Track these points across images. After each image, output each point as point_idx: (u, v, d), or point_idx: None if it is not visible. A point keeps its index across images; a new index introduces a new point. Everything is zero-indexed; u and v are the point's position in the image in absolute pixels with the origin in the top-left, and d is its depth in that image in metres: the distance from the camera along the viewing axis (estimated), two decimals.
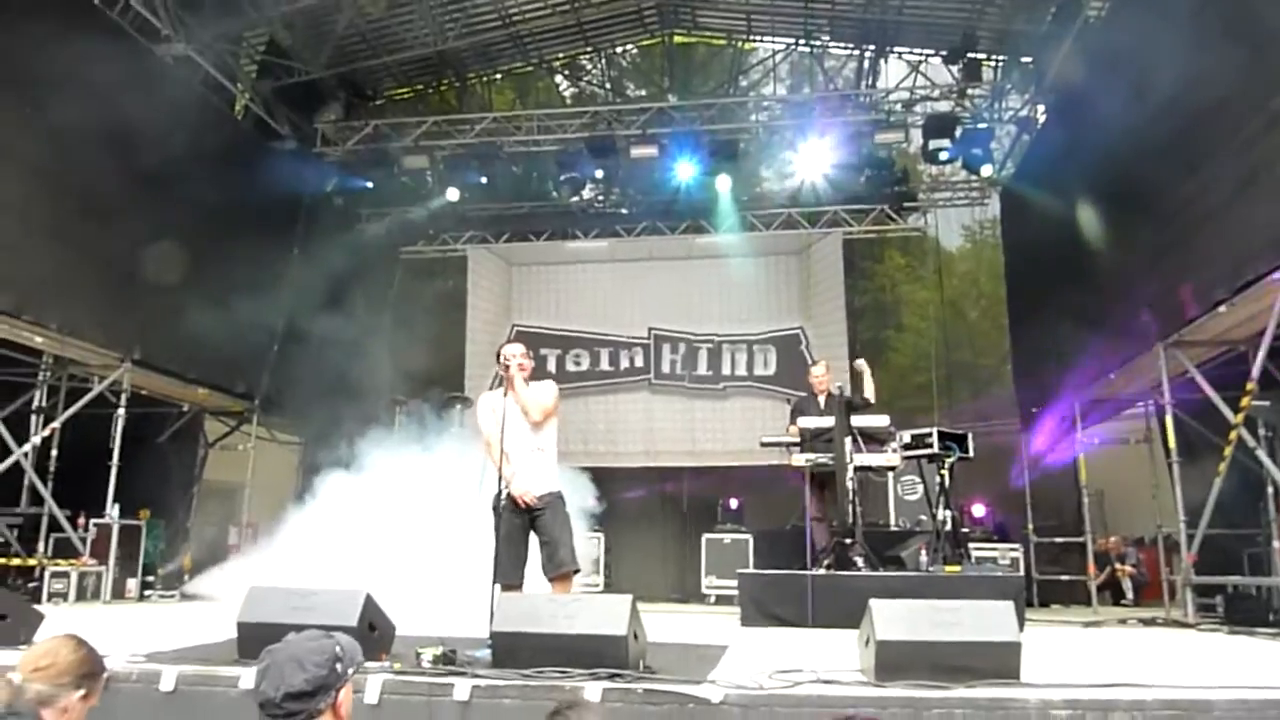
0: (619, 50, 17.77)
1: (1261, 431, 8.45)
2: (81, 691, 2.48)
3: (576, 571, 5.22)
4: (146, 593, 11.17)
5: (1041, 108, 13.63)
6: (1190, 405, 9.35)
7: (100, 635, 3.26)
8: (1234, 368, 8.77)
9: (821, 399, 8.79)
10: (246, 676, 3.98)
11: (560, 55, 17.26)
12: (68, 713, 2.44)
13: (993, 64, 14.50)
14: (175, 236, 10.93)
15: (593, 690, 3.73)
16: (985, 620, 4.02)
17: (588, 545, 11.08)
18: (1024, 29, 13.10)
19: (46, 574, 9.80)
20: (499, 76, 17.30)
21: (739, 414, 15.64)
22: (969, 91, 14.19)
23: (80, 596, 9.90)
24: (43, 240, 9.34)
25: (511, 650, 4.16)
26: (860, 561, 7.73)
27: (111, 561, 10.35)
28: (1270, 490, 8.48)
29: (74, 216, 9.65)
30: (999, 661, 3.90)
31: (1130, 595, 12.55)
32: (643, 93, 17.79)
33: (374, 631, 4.44)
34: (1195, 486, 9.02)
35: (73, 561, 10.05)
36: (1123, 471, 12.61)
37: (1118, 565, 12.82)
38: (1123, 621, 9.03)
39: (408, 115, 15.71)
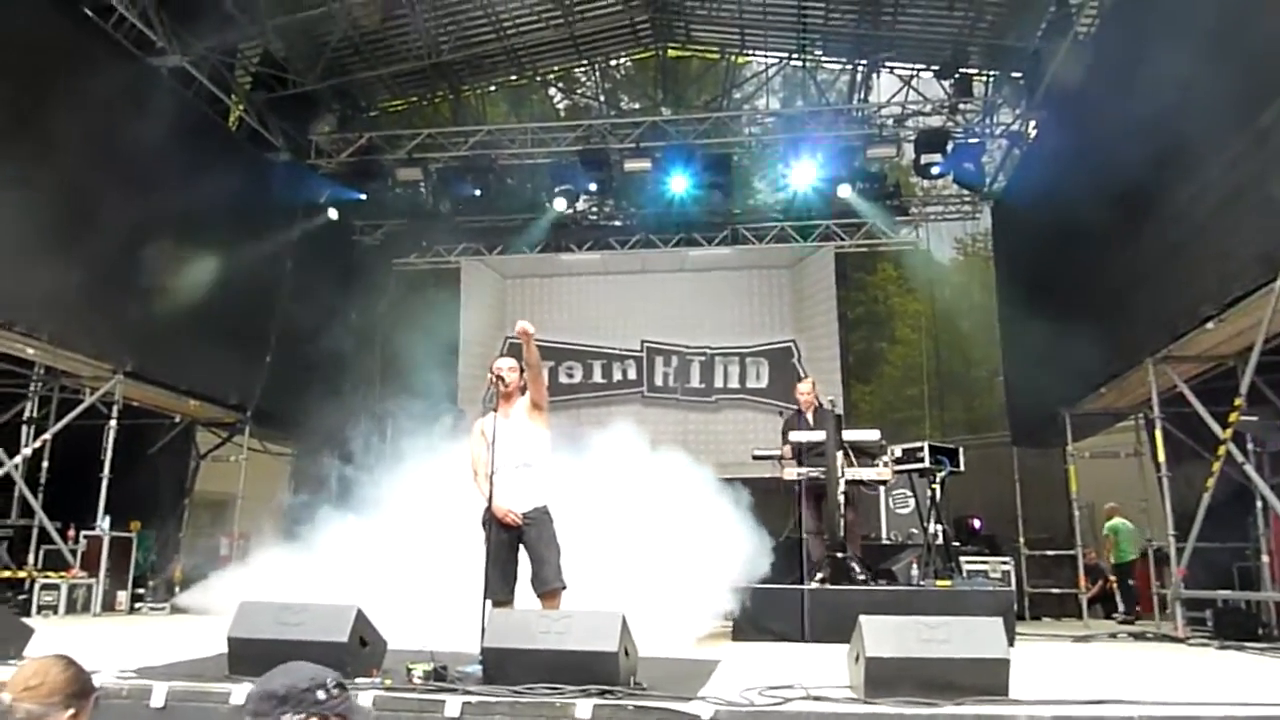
0: (613, 63, 17.87)
1: (1250, 446, 8.51)
2: (71, 711, 2.48)
3: (563, 589, 5.20)
4: (137, 605, 11.13)
5: (1033, 122, 13.72)
6: (1180, 419, 9.39)
7: (90, 649, 3.27)
8: (1223, 382, 8.83)
9: (809, 414, 8.83)
10: (237, 692, 3.98)
11: (554, 68, 17.35)
12: None
13: (984, 79, 14.63)
14: (169, 248, 10.94)
15: (583, 707, 3.73)
16: (974, 637, 4.03)
17: None
18: (1015, 45, 13.22)
19: (36, 586, 9.75)
20: (493, 89, 17.36)
21: (731, 426, 15.67)
22: (960, 106, 14.29)
23: (70, 609, 9.86)
24: (35, 252, 9.28)
25: (502, 666, 4.16)
26: (857, 568, 7.74)
27: (102, 574, 10.32)
28: (1259, 504, 8.53)
29: (67, 228, 9.63)
30: (988, 678, 3.91)
31: (1122, 608, 12.57)
32: (636, 106, 17.89)
33: (365, 646, 4.44)
34: (1185, 500, 9.07)
35: (63, 574, 10.00)
36: (1113, 484, 12.65)
37: (1110, 578, 12.84)
38: (1113, 636, 9.04)
39: (401, 127, 15.77)
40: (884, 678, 3.89)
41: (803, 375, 13.71)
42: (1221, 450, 8.06)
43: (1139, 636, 8.85)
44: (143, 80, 11.16)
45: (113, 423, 10.78)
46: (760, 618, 7.35)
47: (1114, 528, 12.64)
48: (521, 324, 5.29)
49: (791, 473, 8.28)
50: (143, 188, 10.49)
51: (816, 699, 3.89)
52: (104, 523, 10.52)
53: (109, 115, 10.06)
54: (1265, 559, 8.60)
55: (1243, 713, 3.63)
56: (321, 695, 2.30)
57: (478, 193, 15.11)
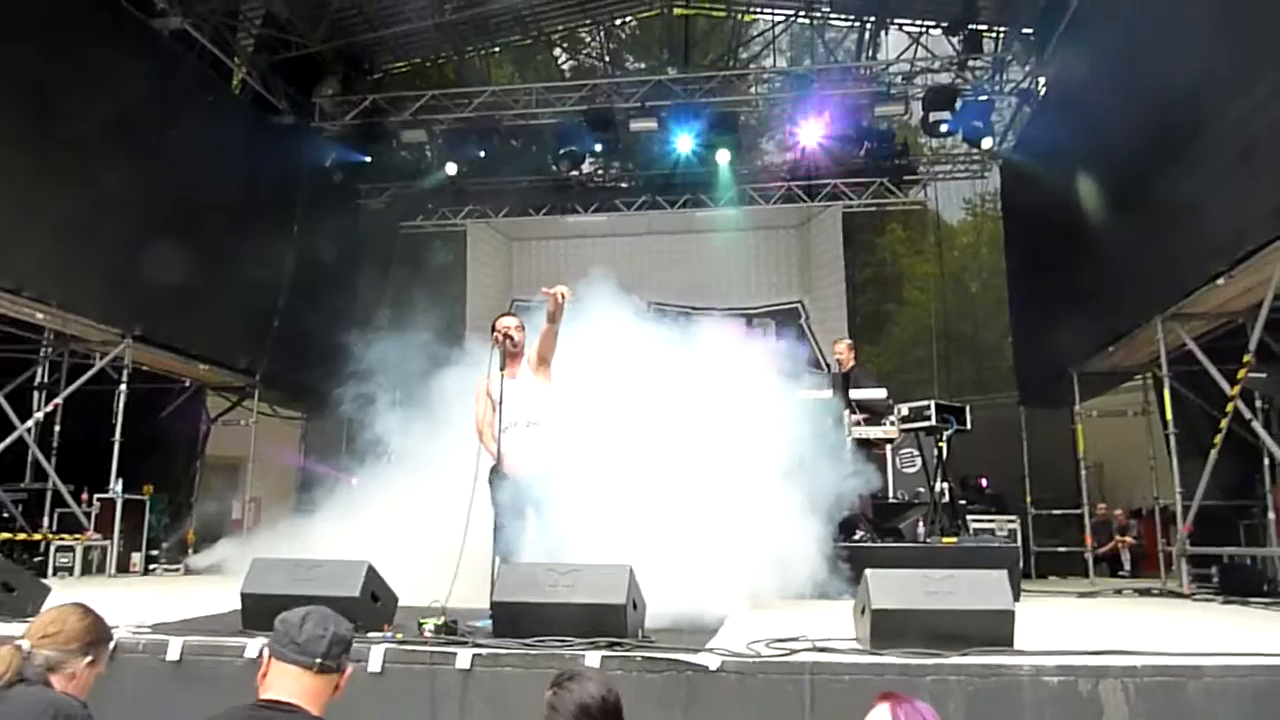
0: (618, 23, 17.68)
1: (1258, 404, 8.50)
2: (89, 658, 2.53)
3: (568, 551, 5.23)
4: (151, 567, 11.28)
5: (1042, 79, 13.55)
6: (1188, 378, 9.37)
7: (106, 607, 3.31)
8: (1232, 340, 8.77)
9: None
10: (251, 646, 4.05)
11: (559, 28, 17.17)
12: (75, 679, 2.48)
13: (994, 35, 14.41)
14: (175, 213, 10.94)
15: (592, 658, 3.78)
16: (979, 589, 4.07)
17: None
18: None
19: (51, 548, 9.87)
20: (497, 50, 17.19)
21: None
22: (969, 63, 14.12)
23: (85, 571, 9.99)
24: (43, 219, 9.32)
25: (512, 620, 4.21)
26: (863, 527, 7.81)
27: (116, 536, 10.44)
28: (1266, 462, 8.53)
29: (74, 194, 9.63)
30: (993, 629, 3.94)
31: (1128, 566, 12.64)
32: (642, 66, 17.71)
33: (376, 602, 4.49)
34: (1192, 458, 9.08)
35: (77, 536, 10.12)
36: (1121, 443, 12.66)
37: (1118, 537, 12.90)
38: (1119, 592, 9.10)
39: (406, 89, 15.62)
40: (889, 629, 3.93)
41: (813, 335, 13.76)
42: (1230, 408, 8.05)
43: (1144, 593, 8.90)
44: (144, 43, 11.07)
45: (123, 387, 10.84)
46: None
47: None
48: (562, 288, 5.26)
49: None
50: (147, 152, 10.47)
51: (822, 650, 3.93)
52: (117, 486, 10.62)
53: (111, 79, 9.99)
54: (1271, 516, 8.59)
55: (1241, 663, 3.66)
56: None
57: (483, 155, 15.00)
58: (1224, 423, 8.17)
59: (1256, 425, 8.03)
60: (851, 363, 9.08)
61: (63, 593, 4.88)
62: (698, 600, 5.05)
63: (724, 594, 5.33)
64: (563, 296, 5.24)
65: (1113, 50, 9.83)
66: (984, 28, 14.21)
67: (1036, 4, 12.77)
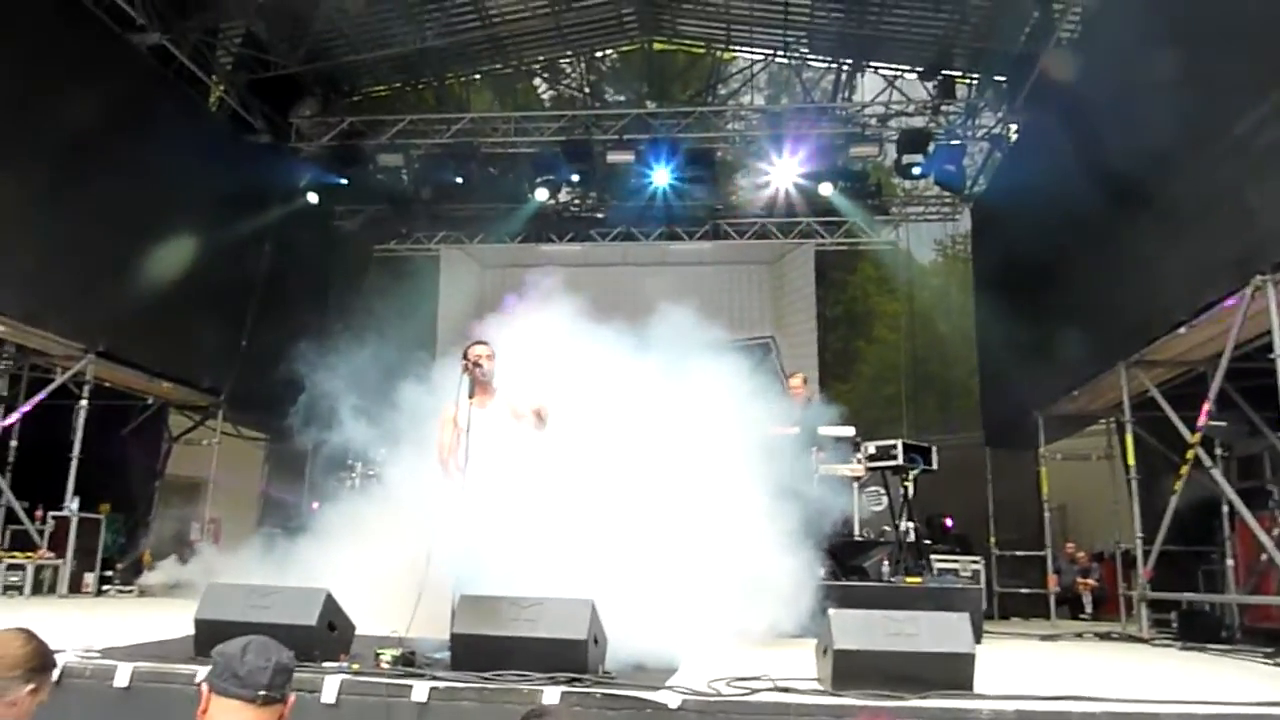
0: (599, 55, 17.82)
1: (1218, 451, 8.62)
2: (31, 685, 2.46)
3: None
4: (104, 587, 11.02)
5: (1014, 126, 13.82)
6: (1150, 423, 9.50)
7: (55, 629, 3.23)
8: (1193, 387, 8.93)
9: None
10: (203, 673, 3.95)
11: (540, 58, 17.28)
12: (16, 707, 2.41)
13: (967, 82, 14.71)
14: (145, 228, 10.83)
15: (551, 694, 3.73)
16: (941, 631, 4.07)
17: None
18: (998, 48, 13.29)
19: (2, 566, 9.62)
20: (478, 77, 17.26)
21: None
22: (943, 108, 14.38)
23: (36, 590, 9.74)
24: (7, 229, 9.19)
25: (471, 652, 4.15)
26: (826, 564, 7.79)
27: (69, 555, 10.20)
28: (1225, 509, 8.64)
29: (40, 206, 9.51)
30: (953, 672, 3.95)
31: (1089, 609, 12.72)
32: (621, 98, 17.84)
33: (333, 630, 4.42)
34: (1154, 503, 9.18)
35: (29, 554, 9.88)
36: (1084, 486, 12.79)
37: (1079, 579, 12.98)
38: (1079, 635, 9.14)
39: (384, 113, 15.64)
40: (850, 670, 3.93)
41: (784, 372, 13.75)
42: (1190, 455, 8.16)
43: (1104, 636, 8.94)
44: (121, 58, 11.00)
45: (84, 403, 10.64)
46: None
47: None
48: (543, 407, 5.38)
49: None
50: (119, 166, 10.36)
51: (783, 690, 3.91)
52: (72, 504, 10.39)
53: (85, 93, 9.90)
54: (1230, 562, 8.70)
55: (1199, 710, 3.69)
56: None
57: (459, 180, 15.01)
58: (1184, 469, 8.29)
59: (1215, 473, 8.14)
60: (808, 397, 9.07)
61: (12, 613, 4.76)
62: (661, 637, 4.99)
63: (688, 630, 5.26)
64: (543, 416, 5.40)
65: (1081, 101, 10.05)
66: (958, 74, 14.50)
67: (1009, 54, 13.04)
